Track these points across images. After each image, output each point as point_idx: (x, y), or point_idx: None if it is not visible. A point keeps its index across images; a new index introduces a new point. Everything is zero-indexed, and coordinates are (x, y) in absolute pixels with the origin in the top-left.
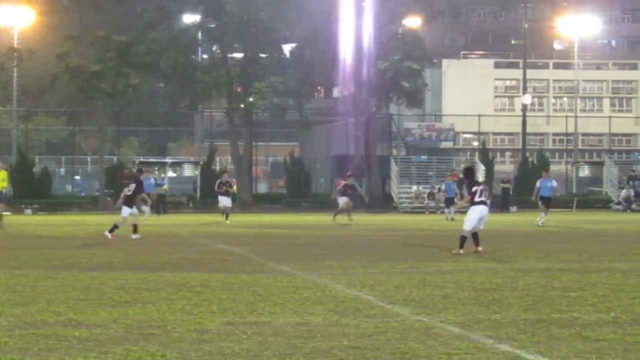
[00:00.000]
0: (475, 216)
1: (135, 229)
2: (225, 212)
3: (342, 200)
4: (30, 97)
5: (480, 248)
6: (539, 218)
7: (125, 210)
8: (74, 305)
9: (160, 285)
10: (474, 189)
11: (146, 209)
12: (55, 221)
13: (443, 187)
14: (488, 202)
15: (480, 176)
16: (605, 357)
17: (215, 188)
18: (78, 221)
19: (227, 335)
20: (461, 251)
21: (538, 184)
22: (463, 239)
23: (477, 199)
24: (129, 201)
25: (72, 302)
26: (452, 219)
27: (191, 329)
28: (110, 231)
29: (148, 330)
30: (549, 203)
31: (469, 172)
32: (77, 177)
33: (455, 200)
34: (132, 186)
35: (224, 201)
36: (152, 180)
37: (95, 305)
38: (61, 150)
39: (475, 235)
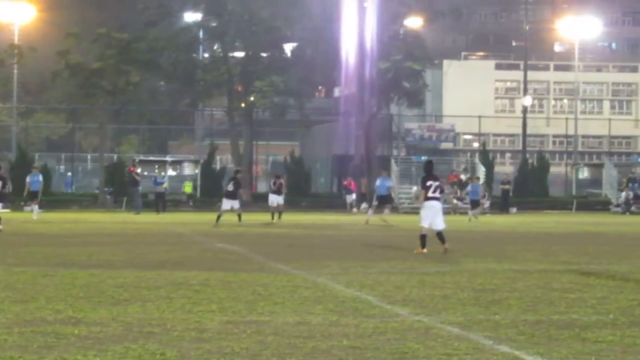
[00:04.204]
0: (428, 213)
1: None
2: (278, 209)
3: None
4: (31, 94)
5: (446, 245)
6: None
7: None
8: (73, 303)
9: (159, 284)
10: (428, 183)
11: (32, 207)
12: (54, 218)
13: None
14: (441, 197)
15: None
16: (604, 359)
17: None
18: (77, 219)
19: (226, 334)
20: (424, 250)
21: (378, 182)
22: (422, 238)
23: (430, 194)
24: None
25: (71, 300)
26: (477, 218)
27: (190, 328)
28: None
29: (147, 328)
30: (386, 200)
31: (427, 165)
32: (69, 174)
33: (481, 201)
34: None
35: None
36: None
37: (94, 303)
38: (61, 148)
39: (439, 235)
